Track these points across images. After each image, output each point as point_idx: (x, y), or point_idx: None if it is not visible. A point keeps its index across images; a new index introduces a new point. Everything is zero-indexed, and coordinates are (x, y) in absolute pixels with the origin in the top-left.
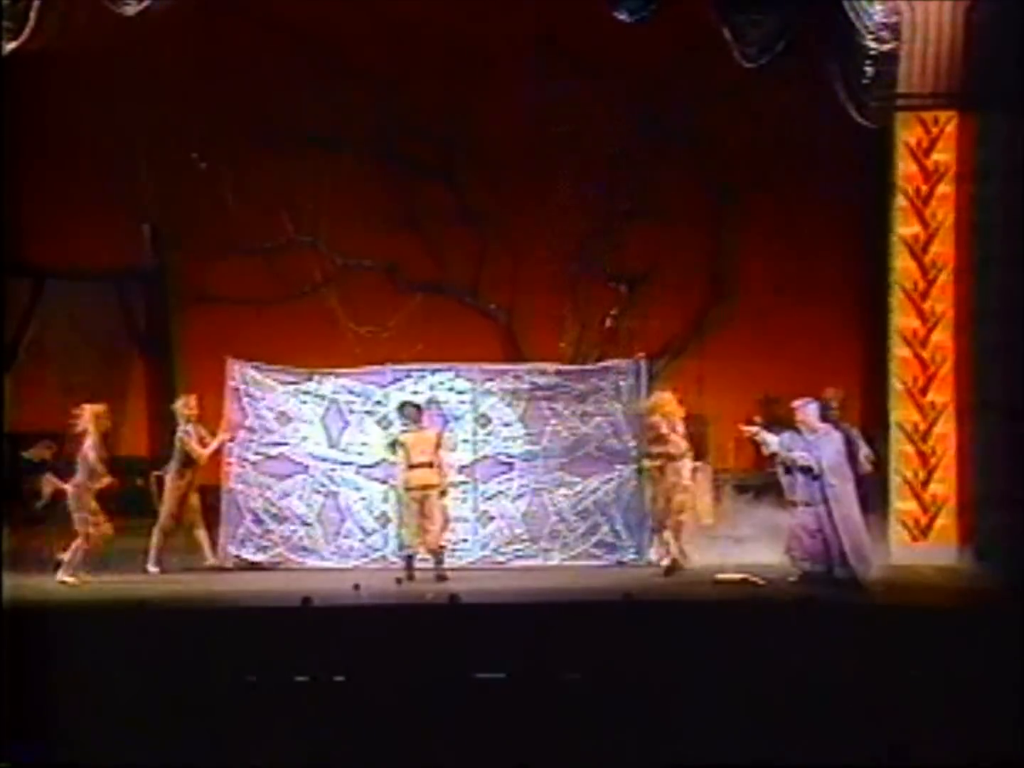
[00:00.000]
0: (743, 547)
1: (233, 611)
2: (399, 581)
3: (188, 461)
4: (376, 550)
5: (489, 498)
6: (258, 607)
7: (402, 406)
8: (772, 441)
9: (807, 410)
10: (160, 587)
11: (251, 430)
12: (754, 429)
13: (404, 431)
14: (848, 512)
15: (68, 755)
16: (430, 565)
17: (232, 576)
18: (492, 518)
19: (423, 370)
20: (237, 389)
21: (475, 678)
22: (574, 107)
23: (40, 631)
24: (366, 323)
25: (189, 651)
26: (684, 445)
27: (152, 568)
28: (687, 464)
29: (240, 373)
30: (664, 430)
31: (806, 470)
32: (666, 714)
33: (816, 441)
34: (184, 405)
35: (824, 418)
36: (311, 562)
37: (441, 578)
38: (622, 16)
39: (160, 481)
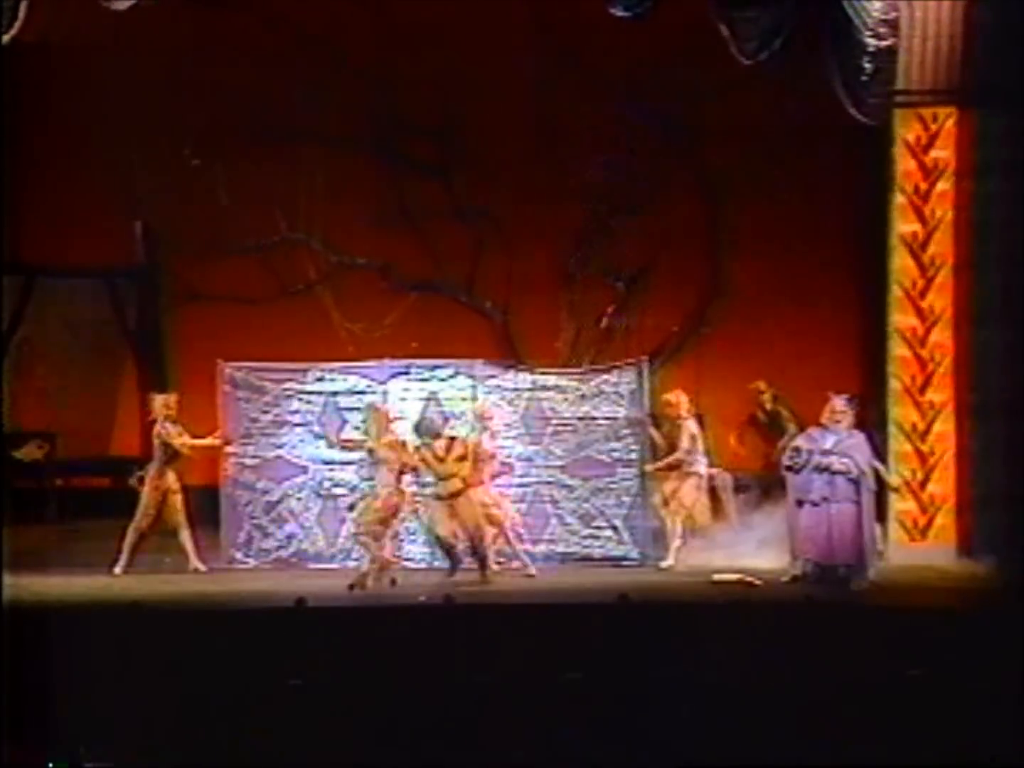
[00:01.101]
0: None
1: (227, 612)
2: (393, 582)
3: (168, 460)
4: None
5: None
6: (252, 608)
7: (419, 422)
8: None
9: (841, 404)
10: (156, 588)
11: (247, 433)
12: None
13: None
14: (870, 517)
15: (67, 755)
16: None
17: (227, 577)
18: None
19: (422, 366)
20: (229, 393)
21: (470, 679)
22: (570, 104)
23: (40, 631)
24: (360, 321)
25: (184, 652)
26: (486, 452)
27: (118, 570)
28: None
29: (232, 376)
30: (438, 448)
31: (838, 472)
32: (663, 715)
33: (849, 440)
34: (164, 404)
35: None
36: (312, 565)
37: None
38: (618, 12)
39: (142, 480)
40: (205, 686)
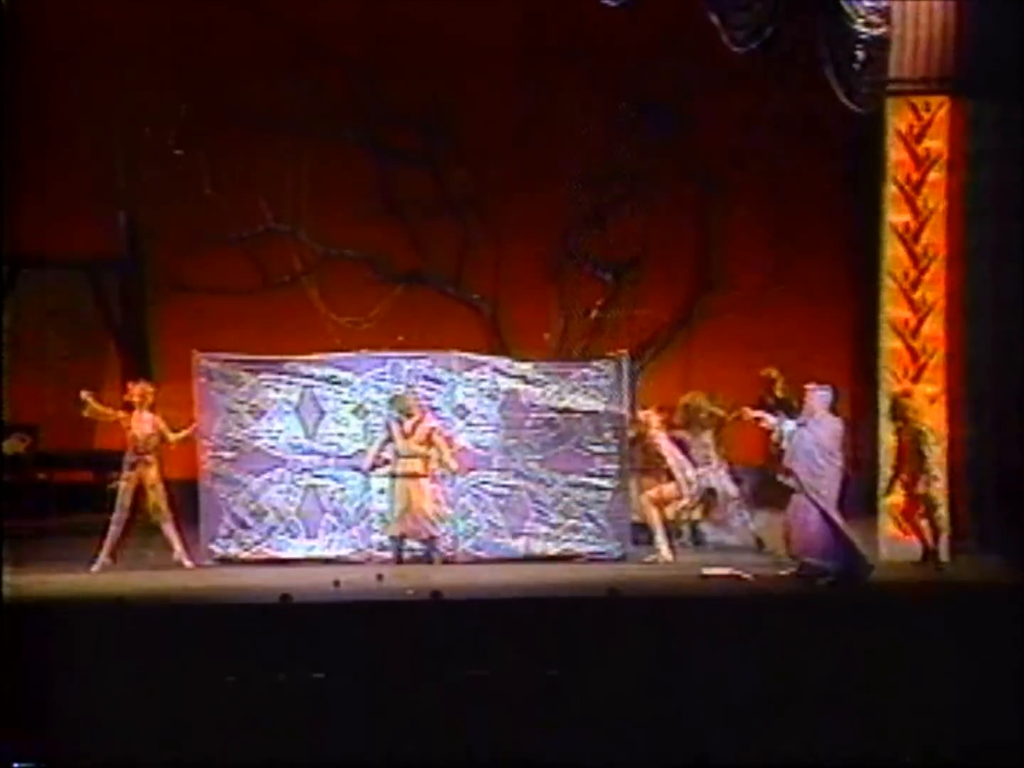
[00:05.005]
0: None
1: (213, 608)
2: (380, 577)
3: (136, 452)
4: (357, 541)
5: (466, 491)
6: (237, 604)
7: (393, 400)
8: (773, 422)
9: (818, 396)
10: (140, 583)
11: (224, 425)
12: (756, 414)
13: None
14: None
15: (68, 754)
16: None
17: (211, 572)
18: (470, 511)
19: (399, 357)
20: (204, 384)
21: (458, 674)
22: (559, 94)
23: (39, 629)
24: (346, 314)
25: (170, 649)
26: (419, 449)
27: (95, 567)
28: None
29: (206, 367)
30: (406, 426)
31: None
32: (652, 710)
33: (816, 429)
34: (141, 393)
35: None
36: (293, 555)
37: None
38: (607, 1)
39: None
40: (191, 682)
